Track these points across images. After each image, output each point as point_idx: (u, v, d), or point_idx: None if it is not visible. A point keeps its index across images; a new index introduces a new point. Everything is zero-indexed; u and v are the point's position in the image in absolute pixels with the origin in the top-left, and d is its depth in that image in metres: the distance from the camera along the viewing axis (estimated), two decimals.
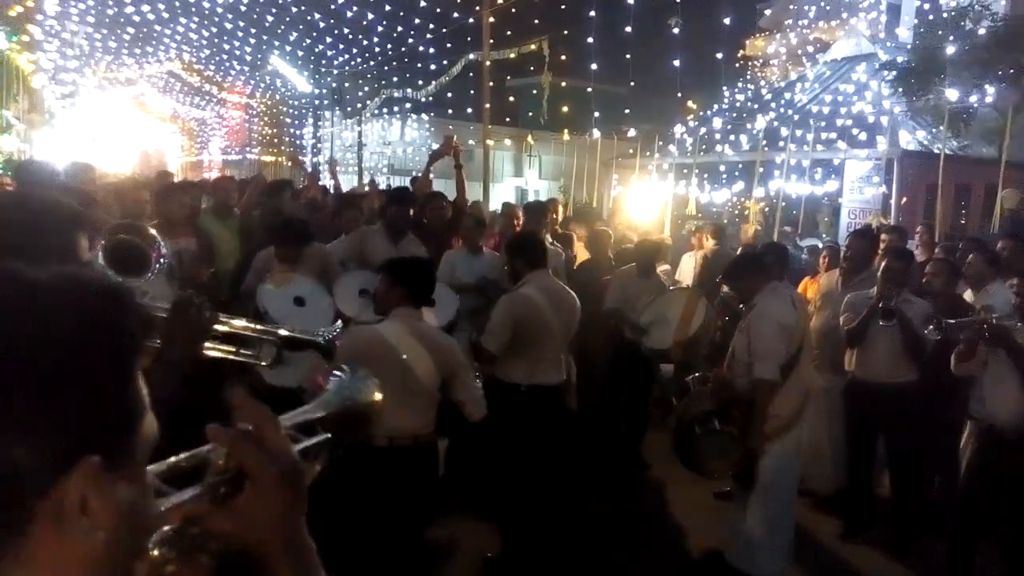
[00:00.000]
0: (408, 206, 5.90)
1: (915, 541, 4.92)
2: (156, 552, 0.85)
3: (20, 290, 0.69)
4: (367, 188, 11.28)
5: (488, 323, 4.43)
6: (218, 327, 2.09)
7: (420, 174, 8.62)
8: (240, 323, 2.21)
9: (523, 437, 4.41)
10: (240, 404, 0.93)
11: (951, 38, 14.08)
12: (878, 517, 5.12)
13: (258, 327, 2.24)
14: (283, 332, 2.24)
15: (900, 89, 15.05)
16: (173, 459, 0.93)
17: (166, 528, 0.86)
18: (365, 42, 21.39)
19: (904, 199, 13.91)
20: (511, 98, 24.98)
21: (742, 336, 4.35)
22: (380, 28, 20.00)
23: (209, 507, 0.88)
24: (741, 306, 5.23)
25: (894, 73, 15.37)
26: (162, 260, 2.43)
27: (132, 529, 0.73)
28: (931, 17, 16.26)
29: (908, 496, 4.98)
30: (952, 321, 4.45)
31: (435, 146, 23.18)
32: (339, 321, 3.04)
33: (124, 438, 0.72)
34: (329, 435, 1.16)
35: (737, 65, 22.13)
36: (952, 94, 12.83)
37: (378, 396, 1.31)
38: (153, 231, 2.58)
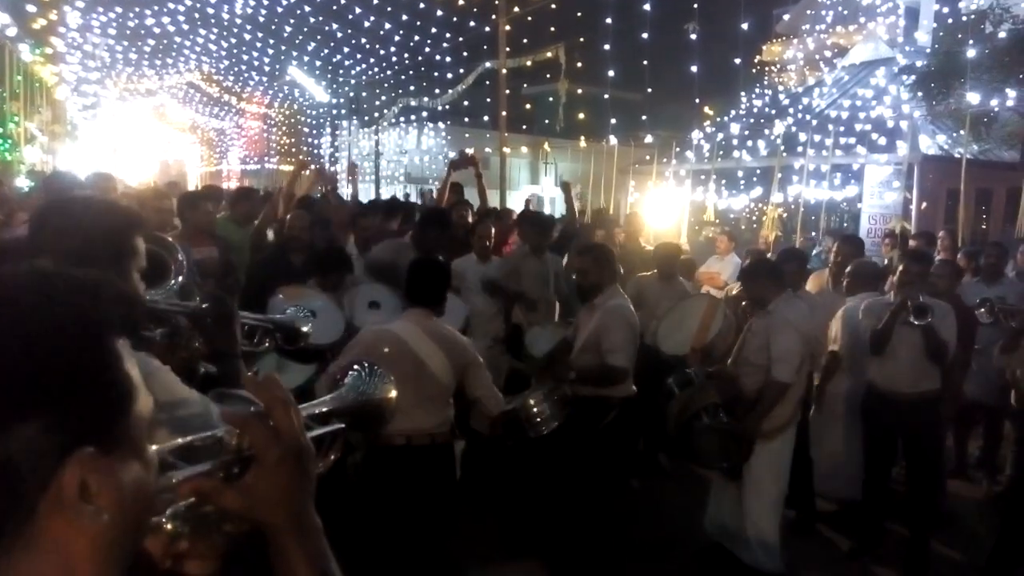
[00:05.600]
0: (448, 231, 5.75)
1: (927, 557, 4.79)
2: (169, 525, 0.87)
3: None
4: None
5: (610, 342, 4.38)
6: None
7: (439, 185, 8.67)
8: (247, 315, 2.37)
9: (624, 447, 4.66)
10: (254, 386, 0.96)
11: (971, 41, 13.95)
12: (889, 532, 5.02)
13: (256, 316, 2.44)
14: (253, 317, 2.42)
15: (920, 93, 14.92)
16: (190, 437, 0.96)
17: (181, 503, 0.88)
18: (382, 52, 21.54)
19: (924, 204, 13.79)
20: (527, 106, 25.01)
21: (754, 338, 4.47)
22: (397, 38, 20.13)
23: (218, 483, 0.91)
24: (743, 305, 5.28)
25: (913, 77, 15.25)
26: (181, 276, 2.40)
27: (137, 505, 0.75)
28: (950, 21, 16.13)
29: (927, 512, 4.85)
30: (1008, 305, 4.47)
31: (452, 154, 23.31)
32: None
33: (115, 422, 0.73)
34: (342, 425, 1.21)
35: (754, 70, 22.06)
36: (973, 98, 12.71)
37: (393, 393, 1.36)
38: (176, 243, 2.57)
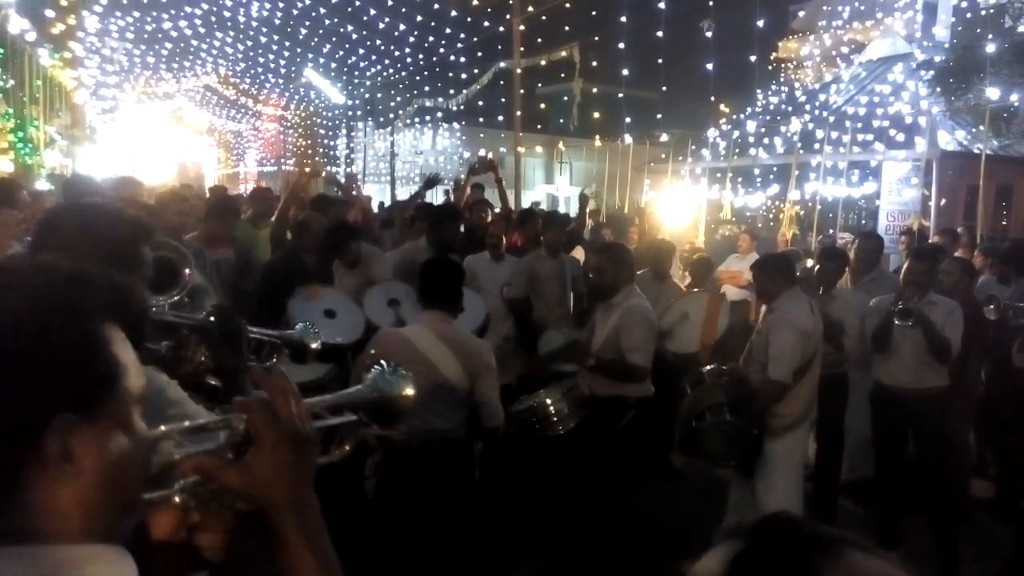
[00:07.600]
0: (459, 221, 5.91)
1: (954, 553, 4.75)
2: (177, 498, 0.97)
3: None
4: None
5: (630, 341, 4.39)
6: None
7: (455, 187, 8.70)
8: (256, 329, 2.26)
9: (641, 448, 4.69)
10: (261, 378, 1.05)
11: (990, 36, 13.80)
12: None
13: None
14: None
15: (938, 89, 14.77)
16: (202, 420, 1.08)
17: (189, 479, 0.98)
18: (397, 53, 21.60)
19: (943, 200, 13.65)
20: (542, 105, 24.98)
21: (761, 337, 4.45)
22: (412, 39, 20.18)
23: (219, 461, 1.00)
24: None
25: (931, 73, 15.10)
26: (187, 283, 2.35)
27: (122, 472, 0.86)
28: (969, 15, 15.95)
29: (945, 509, 4.82)
30: (1016, 303, 4.44)
31: (467, 155, 23.33)
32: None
33: (98, 396, 0.83)
34: (354, 417, 1.29)
35: (770, 67, 21.91)
36: (992, 93, 12.56)
37: (410, 391, 1.40)
38: (188, 253, 2.53)
